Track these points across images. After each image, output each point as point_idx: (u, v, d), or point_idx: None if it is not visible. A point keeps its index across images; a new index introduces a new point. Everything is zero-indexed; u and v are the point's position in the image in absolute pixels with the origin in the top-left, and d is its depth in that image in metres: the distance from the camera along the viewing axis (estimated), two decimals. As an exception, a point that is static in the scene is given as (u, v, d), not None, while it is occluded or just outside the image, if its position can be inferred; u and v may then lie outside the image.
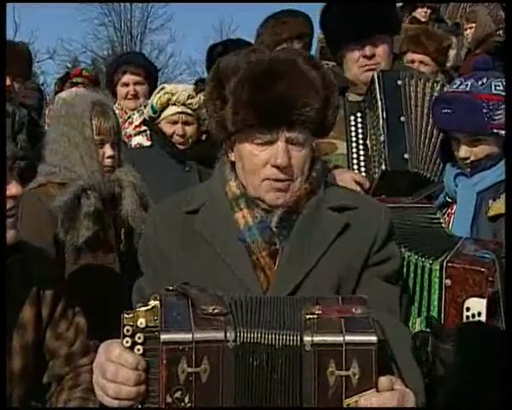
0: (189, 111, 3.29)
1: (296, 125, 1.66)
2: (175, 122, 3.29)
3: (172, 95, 3.27)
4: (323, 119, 1.72)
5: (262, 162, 1.68)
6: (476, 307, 1.95)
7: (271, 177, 1.68)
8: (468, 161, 2.25)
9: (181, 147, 3.32)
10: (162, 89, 3.35)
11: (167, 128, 3.31)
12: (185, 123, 3.30)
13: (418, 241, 2.10)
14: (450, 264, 1.99)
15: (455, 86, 2.33)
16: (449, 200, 2.31)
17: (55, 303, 1.92)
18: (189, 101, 3.28)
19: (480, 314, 1.94)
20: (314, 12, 3.65)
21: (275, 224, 1.70)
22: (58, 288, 1.95)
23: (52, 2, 19.13)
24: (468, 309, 1.96)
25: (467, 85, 2.27)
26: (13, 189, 1.77)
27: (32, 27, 28.34)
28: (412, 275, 2.04)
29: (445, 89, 2.69)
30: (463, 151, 2.24)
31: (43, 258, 2.02)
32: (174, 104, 3.27)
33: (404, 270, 2.04)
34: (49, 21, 32.57)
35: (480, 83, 2.25)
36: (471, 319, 1.95)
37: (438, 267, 2.00)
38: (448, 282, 1.98)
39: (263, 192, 1.70)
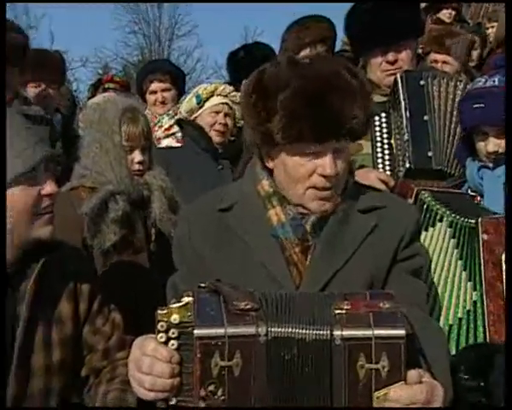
0: (230, 104, 3.43)
1: (344, 136, 1.66)
2: (218, 112, 3.41)
3: (218, 86, 3.46)
4: (362, 127, 1.71)
5: (308, 172, 1.67)
6: None
7: (318, 185, 1.67)
8: (495, 155, 2.25)
9: (218, 139, 3.41)
10: (201, 86, 3.57)
11: (209, 118, 3.43)
12: (226, 115, 3.43)
13: (462, 210, 2.15)
14: (485, 220, 2.03)
15: (481, 83, 2.35)
16: (472, 193, 2.32)
17: (92, 299, 1.94)
18: (233, 93, 3.42)
19: None
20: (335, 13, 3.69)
21: (309, 227, 1.70)
22: (94, 285, 1.96)
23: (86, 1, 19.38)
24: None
25: (494, 81, 2.29)
26: (48, 188, 1.79)
27: (67, 37, 28.71)
28: (457, 236, 2.10)
29: (469, 87, 2.68)
30: (492, 145, 2.25)
31: (79, 257, 2.05)
32: (219, 95, 3.42)
33: (453, 232, 2.11)
34: (82, 31, 33.07)
35: None
36: None
37: (474, 222, 2.05)
38: (484, 236, 2.01)
39: (307, 200, 1.70)
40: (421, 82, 2.68)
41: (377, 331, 1.37)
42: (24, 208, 1.75)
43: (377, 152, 2.71)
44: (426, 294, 1.80)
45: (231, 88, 3.51)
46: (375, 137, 2.71)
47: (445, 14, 5.36)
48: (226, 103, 3.45)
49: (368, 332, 1.37)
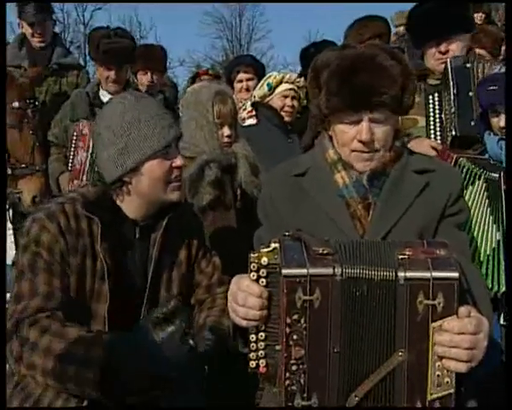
0: (296, 88, 3.37)
1: (376, 108, 1.60)
2: (285, 96, 3.36)
3: (285, 75, 3.41)
4: (401, 101, 1.64)
5: (350, 137, 1.63)
6: None
7: (358, 149, 1.64)
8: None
9: (287, 119, 3.36)
10: (270, 75, 3.46)
11: (279, 102, 3.37)
12: (293, 98, 3.37)
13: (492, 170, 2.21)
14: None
15: (496, 70, 2.44)
16: (492, 161, 2.29)
17: (199, 247, 1.95)
18: (298, 80, 3.37)
19: None
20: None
21: (365, 182, 1.66)
22: (201, 235, 1.98)
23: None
24: None
25: None
26: (178, 161, 1.78)
27: (168, 43, 29.26)
28: (489, 189, 2.17)
29: (486, 72, 2.65)
30: (503, 121, 2.21)
31: (191, 213, 2.05)
32: (286, 82, 3.37)
33: (487, 186, 2.18)
34: (179, 38, 33.62)
35: None
36: None
37: (497, 175, 2.17)
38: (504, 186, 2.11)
39: (352, 161, 1.66)
40: (467, 65, 2.62)
41: (435, 273, 1.32)
42: (159, 177, 1.75)
43: (430, 125, 2.67)
44: (468, 243, 1.75)
45: (296, 75, 3.44)
46: (429, 113, 2.68)
47: (477, 17, 5.20)
48: (292, 89, 3.38)
49: (427, 274, 1.32)
